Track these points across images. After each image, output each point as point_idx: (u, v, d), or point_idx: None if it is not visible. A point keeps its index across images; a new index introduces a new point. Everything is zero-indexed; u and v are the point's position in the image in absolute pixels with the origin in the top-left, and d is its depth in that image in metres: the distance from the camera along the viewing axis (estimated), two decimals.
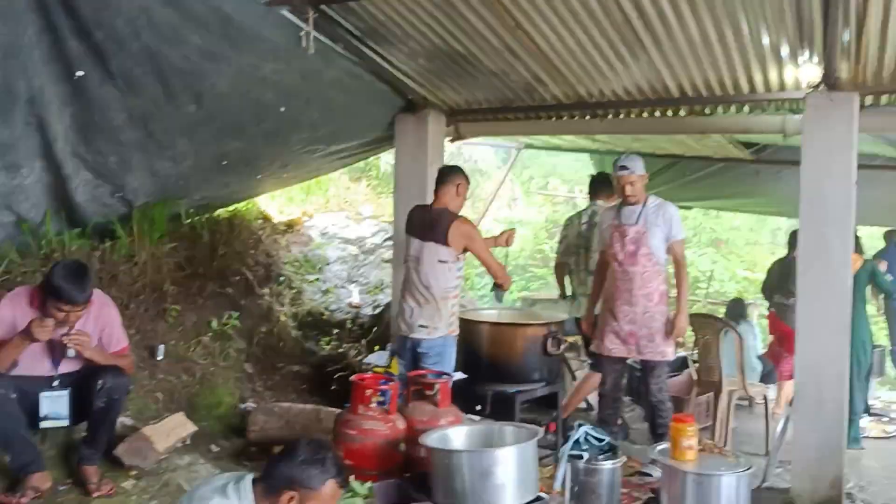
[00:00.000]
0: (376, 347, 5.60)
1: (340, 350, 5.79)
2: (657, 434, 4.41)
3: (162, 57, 3.94)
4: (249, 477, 2.24)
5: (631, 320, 4.46)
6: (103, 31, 3.67)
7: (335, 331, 5.99)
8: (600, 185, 5.74)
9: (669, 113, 4.97)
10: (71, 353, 3.47)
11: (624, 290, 4.47)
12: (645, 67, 4.40)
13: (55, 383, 3.53)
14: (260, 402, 5.16)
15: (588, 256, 5.46)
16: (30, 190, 4.45)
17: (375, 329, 5.97)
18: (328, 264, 6.61)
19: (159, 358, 4.86)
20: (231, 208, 6.22)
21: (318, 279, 6.43)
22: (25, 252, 4.72)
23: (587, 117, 5.29)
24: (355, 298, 6.34)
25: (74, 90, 3.98)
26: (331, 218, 7.11)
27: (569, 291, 5.81)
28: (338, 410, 4.67)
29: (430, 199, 4.69)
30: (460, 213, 4.56)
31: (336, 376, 5.51)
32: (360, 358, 5.61)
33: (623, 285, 4.49)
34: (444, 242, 4.37)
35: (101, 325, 3.66)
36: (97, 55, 3.80)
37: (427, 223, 4.47)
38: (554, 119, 5.42)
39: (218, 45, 4.02)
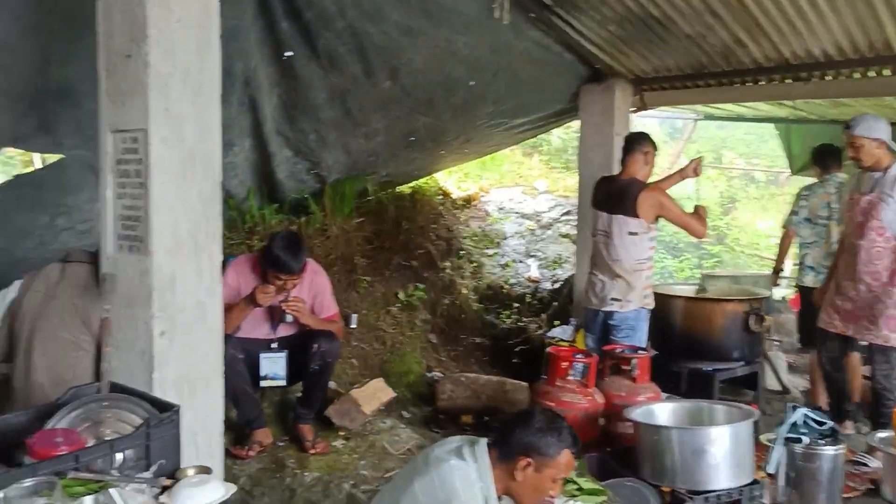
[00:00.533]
0: (556, 322, 5.56)
1: (520, 324, 5.79)
2: (879, 423, 4.06)
3: (364, 34, 4.06)
4: (484, 441, 2.26)
5: (852, 298, 4.10)
6: (313, 10, 3.83)
7: (515, 305, 5.99)
8: (828, 156, 5.32)
9: (887, 72, 4.51)
10: (289, 318, 3.67)
11: (849, 264, 4.12)
12: (865, 19, 4.00)
13: (273, 345, 3.76)
14: (445, 371, 5.27)
15: (836, 227, 5.08)
16: (239, 167, 4.77)
17: (555, 304, 5.92)
18: (505, 239, 6.63)
19: (353, 326, 5.08)
20: (412, 184, 6.38)
21: (496, 253, 6.48)
22: (232, 226, 5.06)
23: (788, 81, 4.92)
24: (534, 273, 6.32)
25: (283, 70, 4.20)
26: (506, 193, 7.13)
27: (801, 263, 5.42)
28: (522, 383, 4.70)
29: (615, 172, 4.56)
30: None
31: (517, 349, 5.53)
32: (540, 332, 5.59)
33: (849, 259, 4.12)
34: (634, 214, 4.23)
35: (313, 293, 3.85)
36: (305, 35, 3.98)
37: (615, 195, 4.35)
38: (750, 84, 5.09)
39: (416, 20, 4.09)
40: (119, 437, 2.10)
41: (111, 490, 1.90)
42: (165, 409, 2.27)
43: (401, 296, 5.51)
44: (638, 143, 4.41)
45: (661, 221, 4.40)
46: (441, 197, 6.62)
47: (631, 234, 4.26)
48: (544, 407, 2.49)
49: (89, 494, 1.85)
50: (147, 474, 2.10)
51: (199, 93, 2.67)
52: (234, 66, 3.93)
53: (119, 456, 2.10)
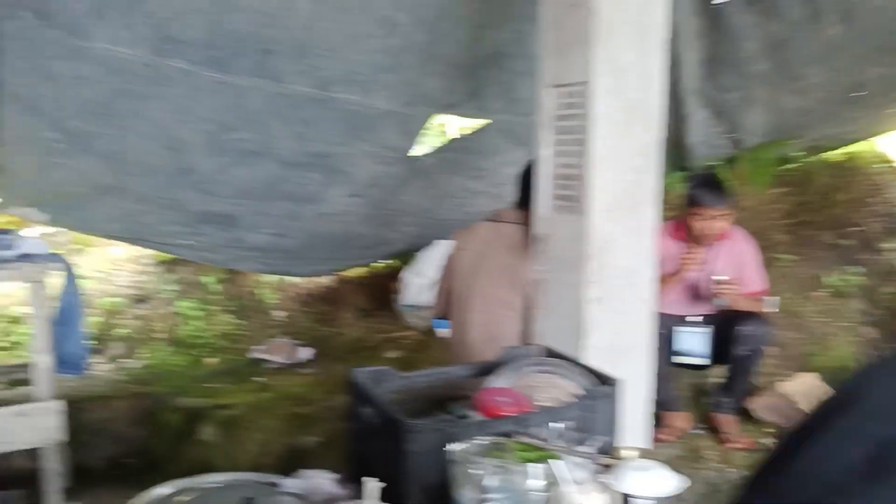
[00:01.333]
0: None
1: None
2: None
3: None
4: None
5: None
6: None
7: None
8: None
9: None
10: (723, 301, 3.30)
11: None
12: None
13: (693, 318, 3.42)
14: None
15: None
16: None
17: None
18: None
19: (774, 310, 4.50)
20: (843, 150, 5.45)
21: None
22: None
23: None
24: None
25: (710, 21, 3.79)
26: None
27: None
28: None
29: None
30: None
31: None
32: None
33: None
34: None
35: (736, 263, 3.44)
36: None
37: None
38: None
39: None
40: (563, 405, 1.97)
41: (559, 462, 1.76)
42: (601, 381, 2.10)
43: (829, 280, 4.73)
44: None
45: None
46: (881, 165, 5.54)
47: None
48: None
49: (539, 462, 1.74)
50: (586, 449, 1.95)
51: (642, 40, 2.44)
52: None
53: (553, 425, 1.98)
